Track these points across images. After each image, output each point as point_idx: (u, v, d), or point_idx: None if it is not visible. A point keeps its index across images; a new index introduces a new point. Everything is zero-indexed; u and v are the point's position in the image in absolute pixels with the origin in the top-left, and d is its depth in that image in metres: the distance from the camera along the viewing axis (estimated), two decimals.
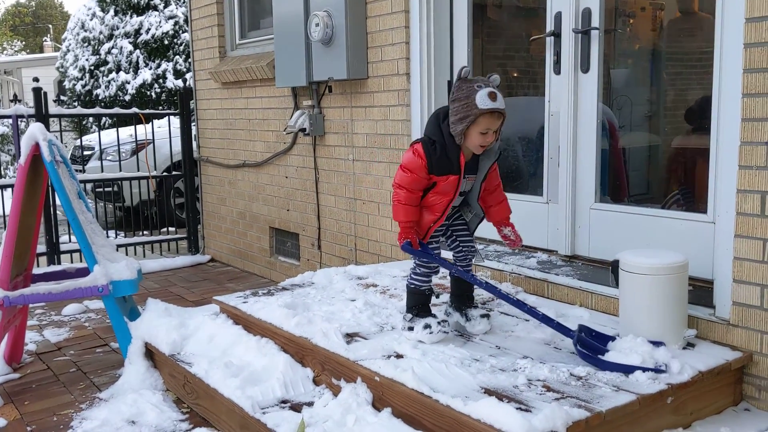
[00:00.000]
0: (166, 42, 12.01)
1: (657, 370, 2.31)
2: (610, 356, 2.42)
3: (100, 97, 12.20)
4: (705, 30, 3.05)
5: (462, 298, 2.84)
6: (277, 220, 5.32)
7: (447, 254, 2.87)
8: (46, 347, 4.01)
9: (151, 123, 6.59)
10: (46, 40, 35.07)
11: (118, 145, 6.48)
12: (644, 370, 2.31)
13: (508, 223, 2.81)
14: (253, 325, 3.17)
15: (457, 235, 2.80)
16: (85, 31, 12.68)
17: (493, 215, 2.79)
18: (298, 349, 2.88)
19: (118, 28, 12.26)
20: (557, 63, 3.35)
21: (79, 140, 8.13)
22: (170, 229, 7.06)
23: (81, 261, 5.20)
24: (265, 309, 3.16)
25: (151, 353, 3.35)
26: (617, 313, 2.72)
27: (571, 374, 2.33)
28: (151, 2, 12.21)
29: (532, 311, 2.62)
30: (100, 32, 12.39)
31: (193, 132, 6.37)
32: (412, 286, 2.75)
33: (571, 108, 3.30)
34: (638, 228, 3.12)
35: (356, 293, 3.37)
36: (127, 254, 6.12)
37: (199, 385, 2.90)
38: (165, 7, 12.21)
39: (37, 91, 5.80)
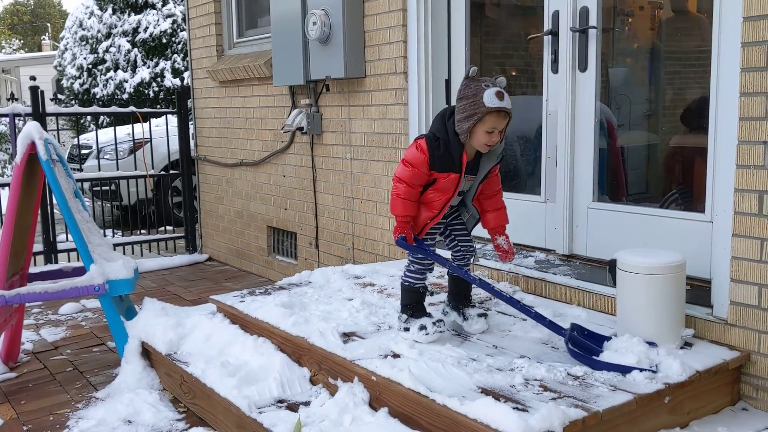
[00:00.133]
0: (164, 40, 11.99)
1: (645, 370, 2.31)
2: (605, 356, 2.42)
3: (97, 96, 12.18)
4: (703, 29, 3.05)
5: (460, 297, 2.84)
6: (274, 219, 5.31)
7: (446, 254, 2.86)
8: (42, 346, 4.00)
9: (148, 122, 6.57)
10: (44, 39, 35.03)
11: (116, 144, 6.46)
12: (632, 369, 2.31)
13: (503, 232, 2.77)
14: (250, 325, 3.17)
15: (456, 235, 2.80)
16: (83, 29, 12.66)
17: (490, 221, 2.76)
18: (295, 349, 2.87)
19: (116, 27, 12.24)
20: (555, 62, 3.35)
21: (76, 139, 8.12)
22: (168, 228, 7.04)
23: (78, 260, 5.19)
24: (262, 308, 3.15)
25: (147, 352, 3.35)
26: (615, 312, 2.71)
27: (568, 374, 2.33)
28: (149, 1, 12.20)
29: (524, 309, 2.62)
30: (98, 31, 12.38)
31: (191, 131, 6.36)
32: (407, 283, 2.74)
33: (569, 107, 3.29)
34: (636, 227, 3.11)
35: (353, 292, 3.36)
36: (124, 253, 6.11)
37: (196, 384, 2.89)
38: (163, 5, 12.19)
39: (34, 90, 5.78)
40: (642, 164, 3.71)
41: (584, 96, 3.26)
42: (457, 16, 3.88)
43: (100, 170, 6.60)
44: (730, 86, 2.52)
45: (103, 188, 7.11)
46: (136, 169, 6.48)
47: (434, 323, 2.64)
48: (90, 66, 12.40)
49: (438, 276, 3.58)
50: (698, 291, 2.77)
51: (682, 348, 2.53)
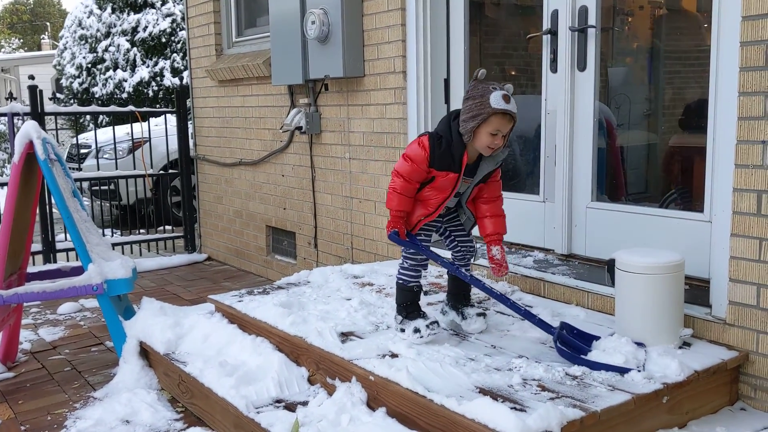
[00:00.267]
0: (163, 40, 11.98)
1: (631, 370, 2.31)
2: (592, 355, 2.43)
3: (97, 95, 12.17)
4: (702, 28, 3.04)
5: (458, 296, 2.84)
6: (273, 218, 5.31)
7: (446, 254, 2.86)
8: (40, 346, 3.99)
9: (147, 121, 6.57)
10: (43, 38, 35.04)
11: (114, 143, 6.46)
12: (621, 369, 2.31)
13: (499, 241, 2.71)
14: (248, 324, 3.16)
15: (456, 235, 2.80)
16: (83, 28, 12.64)
17: (488, 227, 2.71)
18: (293, 349, 2.87)
19: (115, 26, 12.23)
20: (554, 61, 3.34)
21: (75, 138, 8.11)
22: (167, 227, 7.04)
23: (77, 259, 5.18)
24: (260, 308, 3.15)
25: (145, 352, 3.34)
26: (613, 312, 2.71)
27: (566, 374, 2.33)
28: (149, 0, 12.18)
29: (515, 306, 2.63)
30: (98, 30, 12.36)
31: (190, 130, 6.35)
32: (400, 281, 2.74)
33: (568, 106, 3.29)
34: (635, 227, 3.11)
35: (352, 292, 3.36)
36: (123, 253, 6.11)
37: (194, 384, 2.89)
38: (162, 4, 12.17)
39: (33, 89, 5.78)
40: (641, 164, 3.70)
41: (583, 95, 3.26)
42: (456, 15, 3.87)
43: (99, 170, 6.60)
44: (728, 86, 2.51)
45: (102, 188, 7.10)
46: (135, 169, 6.48)
47: (428, 325, 2.63)
48: (89, 65, 12.39)
49: (436, 276, 3.57)
50: (697, 291, 2.77)
51: (680, 348, 2.52)
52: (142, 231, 6.89)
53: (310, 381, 2.76)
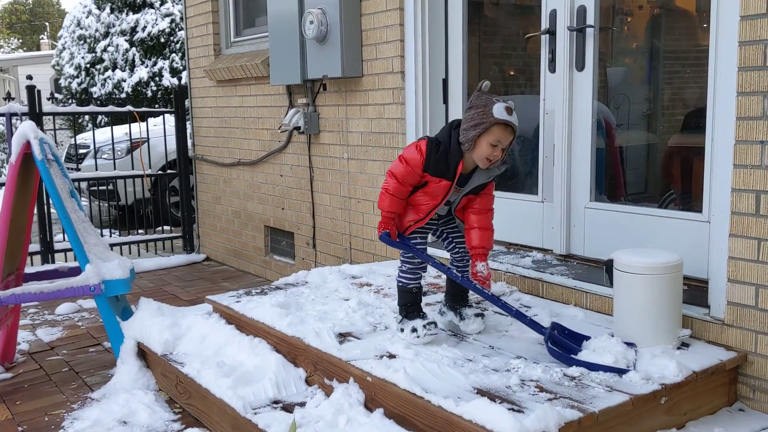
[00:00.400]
0: (162, 40, 11.97)
1: (622, 371, 2.31)
2: (582, 355, 2.43)
3: (95, 95, 12.16)
4: (702, 28, 3.03)
5: (456, 297, 2.83)
6: (272, 218, 5.30)
7: (440, 254, 2.85)
8: (38, 347, 3.99)
9: (146, 121, 6.56)
10: (43, 38, 35.03)
11: (113, 143, 6.45)
12: (610, 369, 2.31)
13: (484, 256, 2.68)
14: (245, 325, 3.16)
15: (453, 237, 2.80)
16: (81, 28, 12.64)
17: (474, 239, 2.68)
18: (291, 349, 2.86)
19: (114, 26, 12.22)
20: (552, 61, 3.34)
21: (74, 139, 8.11)
22: (165, 227, 7.03)
23: (75, 260, 5.18)
24: (258, 308, 3.14)
25: (143, 353, 3.34)
26: (612, 312, 2.70)
27: (564, 374, 2.32)
28: (147, 0, 12.18)
29: (506, 306, 2.63)
30: (96, 30, 12.35)
31: (189, 130, 6.35)
32: (400, 283, 2.75)
33: (566, 106, 3.28)
34: (633, 227, 3.10)
35: (350, 292, 3.35)
36: (122, 253, 6.11)
37: (191, 385, 2.88)
38: (161, 4, 12.17)
39: (31, 90, 5.77)
40: (641, 164, 3.70)
41: (581, 95, 3.25)
42: (454, 15, 3.87)
43: (97, 170, 6.59)
44: (727, 85, 2.51)
45: (101, 188, 7.10)
46: (133, 169, 6.47)
47: (425, 326, 2.63)
48: (88, 65, 12.38)
49: (435, 276, 3.57)
50: (695, 291, 2.76)
51: (678, 348, 2.52)
52: (140, 231, 6.88)
53: (308, 382, 2.75)
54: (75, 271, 3.67)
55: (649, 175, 3.67)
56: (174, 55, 11.95)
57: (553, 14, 3.30)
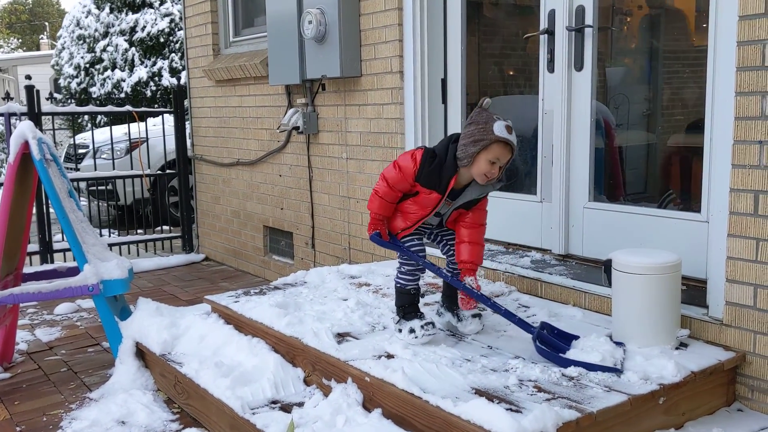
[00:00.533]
0: (161, 40, 11.97)
1: (614, 370, 2.31)
2: (570, 354, 2.44)
3: (95, 95, 12.16)
4: (701, 28, 3.03)
5: (453, 298, 2.83)
6: (271, 218, 5.30)
7: (441, 254, 2.85)
8: (37, 347, 3.98)
9: (145, 121, 6.56)
10: (42, 38, 35.02)
11: (112, 143, 6.45)
12: (603, 369, 2.32)
13: (473, 271, 2.69)
14: (244, 325, 3.15)
15: (447, 240, 2.81)
16: (81, 28, 12.64)
17: (463, 253, 2.69)
18: (289, 349, 2.86)
19: (113, 26, 12.22)
20: (551, 61, 3.34)
21: (73, 138, 8.10)
22: (164, 227, 7.03)
23: (74, 260, 5.18)
24: (256, 308, 3.14)
25: (142, 353, 3.33)
26: (610, 312, 2.70)
27: (562, 374, 2.32)
28: (147, 0, 12.18)
29: (495, 305, 2.63)
30: (96, 30, 12.36)
31: (188, 130, 6.34)
32: (399, 284, 2.75)
33: (565, 106, 3.28)
34: (632, 227, 3.10)
35: (349, 292, 3.35)
36: (121, 253, 6.11)
37: (190, 385, 2.88)
38: (161, 4, 12.17)
39: (30, 89, 5.77)
40: (640, 164, 3.69)
41: (580, 95, 3.25)
42: (453, 15, 3.86)
43: (96, 170, 6.59)
44: (725, 85, 2.51)
45: (100, 188, 7.10)
46: (132, 169, 6.47)
47: (423, 326, 2.63)
48: (87, 65, 12.39)
49: (434, 276, 3.56)
50: (694, 291, 2.76)
51: (677, 348, 2.52)
52: (139, 231, 6.88)
53: (306, 382, 2.75)
54: (74, 271, 3.66)
55: (648, 175, 3.66)
56: (173, 54, 11.95)
57: (551, 14, 3.30)
